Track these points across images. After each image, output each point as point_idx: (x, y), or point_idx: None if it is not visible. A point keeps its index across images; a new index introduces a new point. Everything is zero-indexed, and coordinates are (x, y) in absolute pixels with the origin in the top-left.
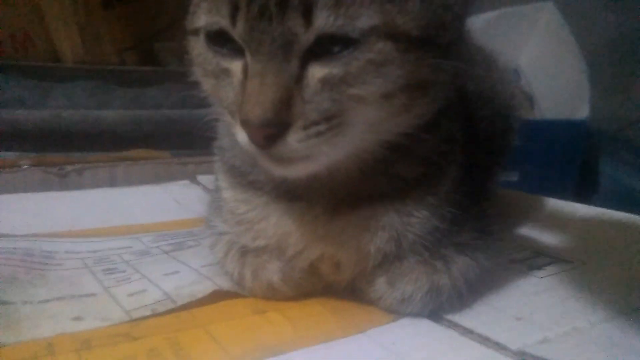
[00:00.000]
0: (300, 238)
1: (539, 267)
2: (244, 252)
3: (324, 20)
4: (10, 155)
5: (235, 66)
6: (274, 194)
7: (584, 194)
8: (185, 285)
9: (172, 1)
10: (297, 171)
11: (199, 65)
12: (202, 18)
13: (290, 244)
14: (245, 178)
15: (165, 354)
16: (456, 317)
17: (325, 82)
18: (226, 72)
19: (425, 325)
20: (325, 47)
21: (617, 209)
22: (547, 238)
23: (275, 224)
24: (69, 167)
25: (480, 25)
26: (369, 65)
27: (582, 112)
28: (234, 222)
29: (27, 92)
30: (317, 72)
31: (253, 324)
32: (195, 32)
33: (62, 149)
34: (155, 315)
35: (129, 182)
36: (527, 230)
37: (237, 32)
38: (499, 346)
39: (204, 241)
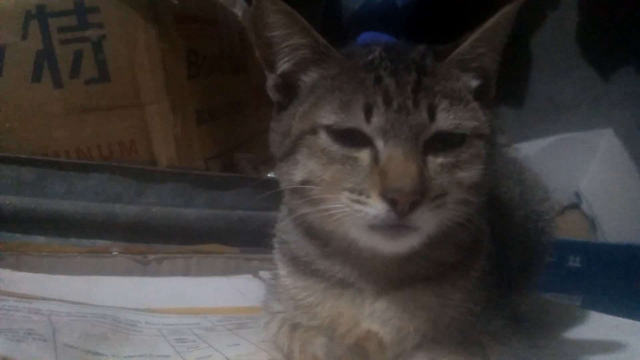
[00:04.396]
0: (350, 317)
1: None
2: (294, 327)
3: (442, 120)
4: (102, 243)
5: (364, 154)
6: (332, 281)
7: None
8: (245, 355)
9: (251, 120)
10: (404, 246)
11: (318, 157)
12: (326, 118)
13: (342, 322)
14: (308, 267)
15: None
16: None
17: (443, 166)
18: (353, 159)
19: None
20: (436, 141)
21: None
22: (583, 350)
23: (330, 306)
24: (151, 256)
25: (538, 149)
26: (471, 156)
27: None
28: (292, 305)
29: (125, 190)
30: (436, 158)
31: None
32: (311, 131)
33: (147, 239)
34: None
35: (200, 272)
36: (564, 340)
37: (372, 126)
38: None
39: (260, 321)
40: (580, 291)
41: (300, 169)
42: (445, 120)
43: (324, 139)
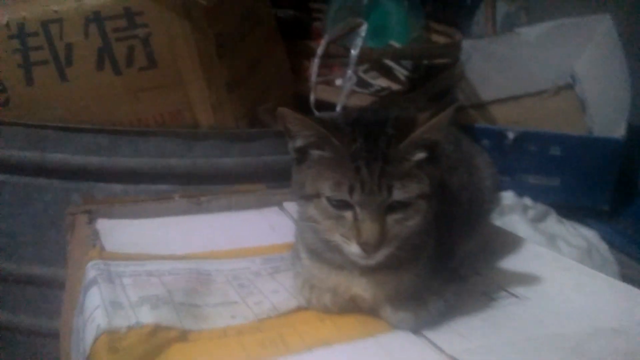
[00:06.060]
0: (345, 286)
1: (497, 299)
2: (312, 286)
3: (396, 195)
4: (164, 188)
5: (348, 214)
6: (334, 265)
7: (620, 203)
8: (283, 301)
9: (266, 71)
10: (371, 262)
11: (320, 213)
12: (326, 191)
13: (340, 288)
14: (319, 254)
15: (276, 341)
16: (428, 333)
17: (397, 221)
18: (343, 217)
19: (410, 336)
20: (394, 205)
21: None
22: (510, 275)
23: (333, 279)
24: (202, 198)
25: (537, 34)
26: (415, 212)
27: (621, 129)
28: (309, 274)
29: (177, 147)
30: (392, 217)
31: (317, 325)
32: (316, 195)
33: (197, 184)
34: (269, 317)
35: (239, 207)
36: (501, 267)
37: (354, 200)
38: (441, 350)
39: (291, 272)
40: (559, 174)
41: (310, 213)
42: (399, 194)
43: (324, 203)
